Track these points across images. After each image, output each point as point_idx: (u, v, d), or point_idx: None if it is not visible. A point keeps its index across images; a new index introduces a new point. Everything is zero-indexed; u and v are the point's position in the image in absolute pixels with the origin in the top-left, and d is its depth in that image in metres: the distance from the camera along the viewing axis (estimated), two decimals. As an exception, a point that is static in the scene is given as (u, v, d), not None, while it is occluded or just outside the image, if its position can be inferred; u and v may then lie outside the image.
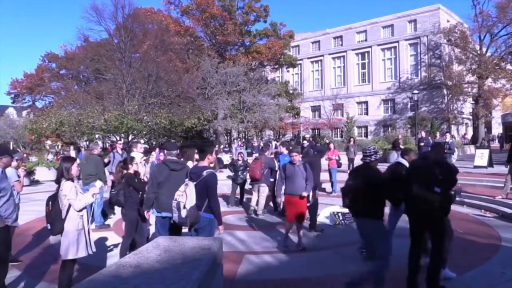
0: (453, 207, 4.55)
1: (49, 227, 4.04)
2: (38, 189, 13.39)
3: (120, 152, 9.17)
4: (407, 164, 4.98)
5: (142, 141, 22.40)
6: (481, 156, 14.96)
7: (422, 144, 14.21)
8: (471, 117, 37.77)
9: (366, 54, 43.79)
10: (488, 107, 35.01)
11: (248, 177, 9.66)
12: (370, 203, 4.08)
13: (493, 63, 33.28)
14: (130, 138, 24.36)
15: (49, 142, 34.42)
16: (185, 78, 28.98)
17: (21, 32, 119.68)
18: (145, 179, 5.52)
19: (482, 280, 4.61)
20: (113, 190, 5.81)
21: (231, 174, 10.21)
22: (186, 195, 4.00)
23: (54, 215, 4.00)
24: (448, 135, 14.40)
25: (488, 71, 32.93)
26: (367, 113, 43.24)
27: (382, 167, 5.25)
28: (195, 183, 4.15)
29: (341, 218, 7.72)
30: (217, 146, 24.39)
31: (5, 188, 4.38)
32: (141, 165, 5.98)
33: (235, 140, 29.57)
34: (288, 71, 46.97)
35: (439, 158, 4.36)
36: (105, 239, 6.73)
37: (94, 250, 4.20)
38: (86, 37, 34.60)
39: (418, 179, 4.13)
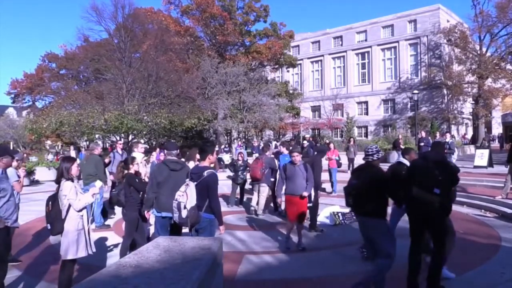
0: (453, 207, 4.53)
1: (49, 227, 4.05)
2: (38, 189, 13.40)
3: (120, 152, 9.18)
4: (408, 164, 4.99)
5: (142, 141, 22.41)
6: (481, 156, 14.96)
7: (422, 144, 14.20)
8: (471, 117, 37.76)
9: (366, 54, 43.78)
10: (488, 107, 35.01)
11: (248, 177, 9.67)
12: (373, 202, 4.08)
13: (493, 63, 33.29)
14: (130, 138, 24.35)
15: (49, 142, 34.39)
16: (185, 78, 28.93)
17: (21, 32, 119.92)
18: (146, 179, 5.52)
19: (482, 280, 4.60)
20: (113, 190, 5.82)
21: (231, 174, 10.23)
22: (187, 195, 4.00)
23: (54, 215, 4.01)
24: (448, 135, 14.40)
25: (488, 71, 32.94)
26: (367, 113, 43.24)
27: (383, 167, 5.25)
28: (195, 183, 4.15)
29: (341, 218, 7.73)
30: (217, 146, 24.35)
31: (5, 189, 4.37)
32: (142, 165, 5.99)
33: (235, 140, 29.52)
34: (288, 71, 46.95)
35: (439, 157, 4.34)
36: (105, 239, 6.74)
37: (94, 250, 4.20)
38: (86, 37, 34.66)
39: (417, 180, 4.12)
